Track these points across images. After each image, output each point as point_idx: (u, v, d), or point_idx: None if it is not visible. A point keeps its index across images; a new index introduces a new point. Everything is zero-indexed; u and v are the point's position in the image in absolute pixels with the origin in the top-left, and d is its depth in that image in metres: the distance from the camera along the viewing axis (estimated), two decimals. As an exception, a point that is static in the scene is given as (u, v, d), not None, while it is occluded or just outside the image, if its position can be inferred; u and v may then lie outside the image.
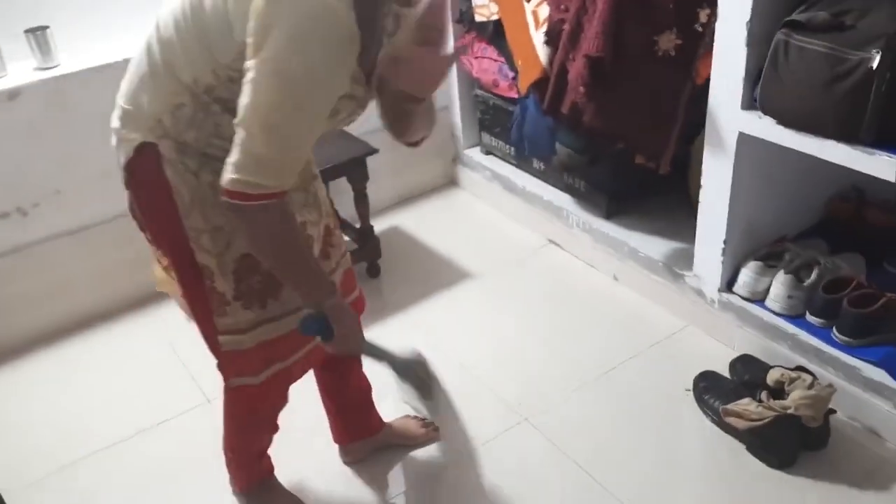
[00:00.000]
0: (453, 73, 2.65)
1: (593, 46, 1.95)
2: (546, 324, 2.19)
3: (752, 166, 1.84)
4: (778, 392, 1.70)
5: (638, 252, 2.22)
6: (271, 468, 1.65)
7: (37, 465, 1.84)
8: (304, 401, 1.63)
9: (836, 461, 1.68)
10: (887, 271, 1.97)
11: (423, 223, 2.70)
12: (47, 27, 2.08)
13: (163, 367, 2.12)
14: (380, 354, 1.50)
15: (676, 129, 1.99)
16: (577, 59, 2.03)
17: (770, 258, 1.93)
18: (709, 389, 1.83)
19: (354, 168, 2.26)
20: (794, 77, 1.58)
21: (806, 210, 2.10)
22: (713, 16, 1.77)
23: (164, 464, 1.82)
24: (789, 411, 1.63)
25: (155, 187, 1.25)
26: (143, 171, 1.26)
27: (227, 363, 1.40)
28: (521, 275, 2.41)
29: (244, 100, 1.09)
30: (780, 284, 1.87)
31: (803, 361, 1.80)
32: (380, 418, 1.77)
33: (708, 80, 1.81)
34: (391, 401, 1.77)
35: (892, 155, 1.48)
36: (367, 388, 1.72)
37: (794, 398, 1.64)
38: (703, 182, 1.92)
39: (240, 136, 1.10)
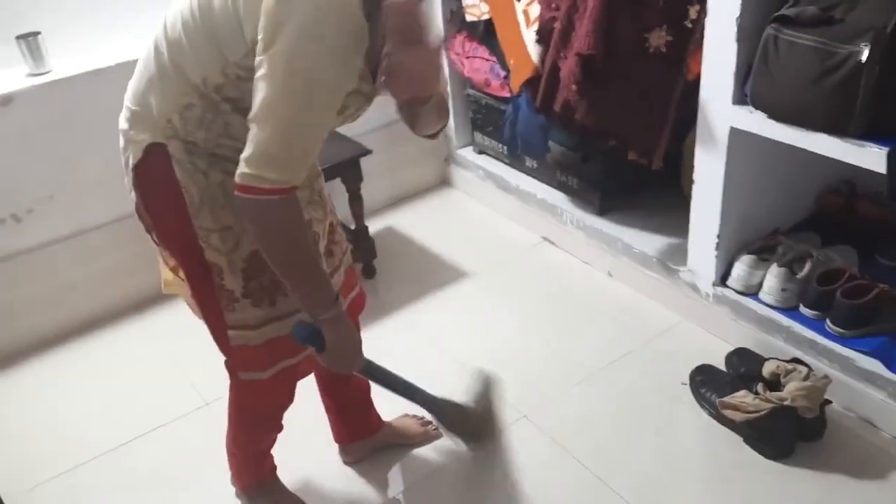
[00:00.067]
0: (445, 73, 2.66)
1: (585, 44, 1.96)
2: (542, 321, 2.20)
3: (744, 161, 1.85)
4: (774, 384, 1.72)
5: (632, 248, 2.23)
6: (273, 468, 1.66)
7: (37, 470, 1.84)
8: (304, 401, 1.63)
9: (832, 451, 1.69)
10: (879, 262, 1.99)
11: (418, 223, 2.70)
12: (38, 33, 2.08)
13: (161, 371, 2.12)
14: (396, 386, 1.46)
15: (668, 125, 2.00)
16: (568, 58, 2.04)
17: (763, 252, 1.95)
18: (705, 383, 1.84)
19: (348, 169, 2.27)
20: (785, 71, 1.59)
21: (798, 203, 2.12)
22: (703, 12, 1.78)
23: (164, 468, 1.82)
24: (786, 403, 1.64)
25: (164, 187, 1.25)
26: (152, 171, 1.26)
27: (236, 357, 1.40)
28: (515, 273, 2.42)
29: (258, 95, 1.10)
30: (773, 277, 1.89)
31: (798, 353, 1.82)
32: (379, 417, 1.78)
33: (699, 76, 1.82)
34: (389, 400, 1.77)
35: (882, 147, 1.50)
36: (366, 388, 1.72)
37: (790, 390, 1.66)
38: (695, 177, 1.93)
39: (252, 131, 1.11)
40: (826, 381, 1.69)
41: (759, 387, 1.71)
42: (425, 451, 1.80)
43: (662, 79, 1.95)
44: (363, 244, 2.39)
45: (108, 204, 2.25)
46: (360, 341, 1.36)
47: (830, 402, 1.71)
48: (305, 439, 1.79)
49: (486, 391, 1.55)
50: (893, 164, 1.48)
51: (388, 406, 1.79)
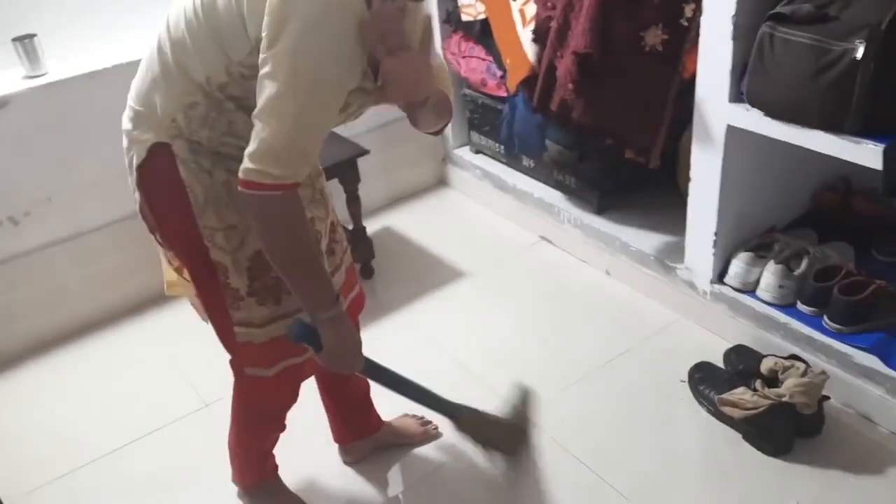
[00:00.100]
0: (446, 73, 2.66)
1: (581, 43, 1.97)
2: (540, 320, 2.20)
3: (740, 158, 1.86)
4: (772, 381, 1.72)
5: (629, 246, 2.23)
6: (275, 468, 1.66)
7: (36, 473, 1.84)
8: (305, 400, 1.63)
9: (830, 447, 1.70)
10: (875, 259, 2.00)
11: (415, 223, 2.71)
12: (34, 35, 2.08)
13: (160, 372, 2.12)
14: (401, 388, 1.44)
15: (665, 123, 2.01)
16: (565, 56, 2.05)
17: (760, 249, 1.95)
18: (704, 380, 1.84)
19: (346, 170, 2.27)
20: (780, 69, 1.60)
21: (794, 200, 2.13)
22: (698, 10, 1.79)
23: (164, 470, 1.82)
24: (784, 399, 1.65)
25: (168, 187, 1.26)
26: (156, 171, 1.26)
27: (241, 353, 1.40)
28: (513, 272, 2.42)
29: (262, 93, 1.10)
30: (770, 274, 1.89)
31: (796, 350, 1.82)
32: (378, 417, 1.78)
33: (695, 74, 1.83)
34: (389, 399, 1.78)
35: (877, 143, 1.50)
36: (365, 387, 1.73)
37: (788, 386, 1.66)
38: (692, 175, 1.94)
39: (256, 127, 1.11)
40: (824, 377, 1.69)
41: (758, 383, 1.72)
42: (425, 451, 1.80)
43: (659, 77, 1.96)
44: (361, 244, 2.39)
45: (105, 206, 2.25)
46: (360, 342, 1.36)
47: (828, 398, 1.71)
48: (305, 439, 1.78)
49: (524, 406, 1.52)
50: (889, 160, 1.49)
51: (388, 406, 1.80)
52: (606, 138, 2.14)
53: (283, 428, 1.59)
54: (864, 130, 1.53)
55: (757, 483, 1.64)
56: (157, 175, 1.27)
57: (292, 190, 1.14)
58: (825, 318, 1.81)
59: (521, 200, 2.58)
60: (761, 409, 1.66)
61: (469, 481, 1.73)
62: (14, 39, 2.06)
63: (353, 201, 2.34)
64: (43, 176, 2.14)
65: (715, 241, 1.95)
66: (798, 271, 1.88)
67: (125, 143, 1.30)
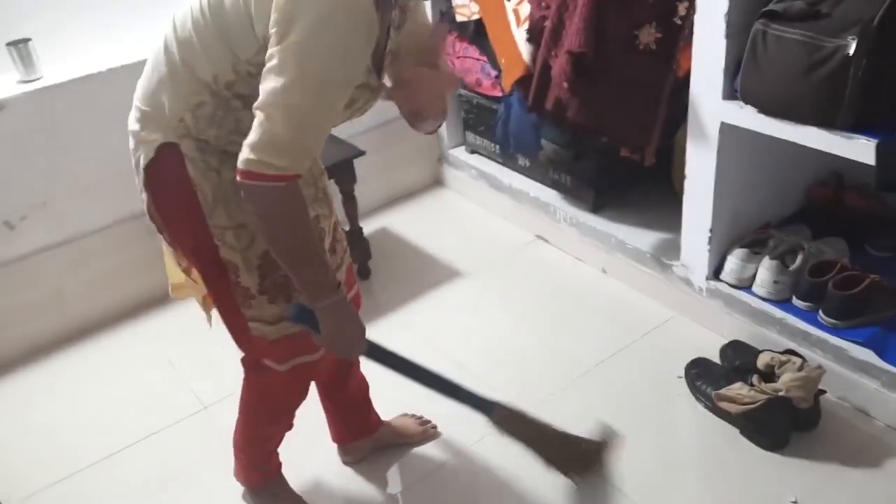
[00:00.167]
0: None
1: (575, 42, 1.98)
2: (537, 319, 2.21)
3: (734, 155, 1.87)
4: (768, 376, 1.73)
5: (625, 244, 2.24)
6: (279, 466, 1.66)
7: (33, 477, 1.83)
8: (305, 401, 1.64)
9: (827, 441, 1.71)
10: (869, 253, 2.01)
11: (411, 224, 2.71)
12: (29, 39, 2.08)
13: (157, 375, 2.12)
14: (412, 373, 1.39)
15: (659, 122, 2.02)
16: (559, 56, 2.06)
17: (755, 245, 1.97)
18: (701, 376, 1.85)
19: (342, 170, 2.27)
20: (773, 66, 1.61)
21: (788, 197, 2.14)
22: (692, 8, 1.80)
23: (162, 473, 1.82)
24: (780, 394, 1.66)
25: (177, 186, 1.26)
26: (164, 171, 1.26)
27: (255, 347, 1.40)
28: (510, 271, 2.43)
29: (265, 85, 1.10)
30: (765, 270, 1.90)
31: (792, 345, 1.84)
32: (378, 417, 1.78)
33: (689, 72, 1.84)
34: (388, 399, 1.78)
35: (869, 139, 1.52)
36: (365, 387, 1.73)
37: (785, 381, 1.67)
38: (687, 173, 1.95)
39: (258, 118, 1.11)
40: (820, 371, 1.70)
41: (754, 378, 1.73)
42: (425, 451, 1.80)
43: (653, 75, 1.97)
44: (358, 245, 2.39)
45: (102, 209, 2.25)
46: (362, 328, 1.33)
47: (824, 392, 1.72)
48: (305, 439, 1.78)
49: (603, 441, 1.42)
50: (882, 155, 1.50)
51: (388, 406, 1.80)
52: (601, 137, 2.15)
53: (290, 426, 1.59)
54: (856, 126, 1.54)
55: (754, 477, 1.65)
56: (164, 175, 1.27)
57: (293, 182, 1.14)
58: (820, 312, 1.82)
59: (517, 200, 2.58)
60: (758, 403, 1.67)
61: (469, 481, 1.73)
62: (8, 44, 2.06)
63: (350, 202, 2.34)
64: (38, 180, 2.14)
65: (710, 238, 1.96)
66: (793, 267, 1.90)
67: (132, 143, 1.30)
